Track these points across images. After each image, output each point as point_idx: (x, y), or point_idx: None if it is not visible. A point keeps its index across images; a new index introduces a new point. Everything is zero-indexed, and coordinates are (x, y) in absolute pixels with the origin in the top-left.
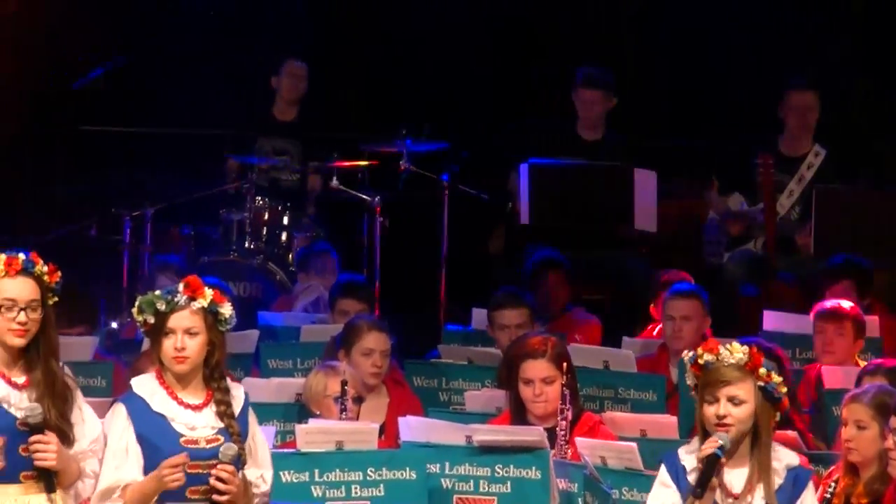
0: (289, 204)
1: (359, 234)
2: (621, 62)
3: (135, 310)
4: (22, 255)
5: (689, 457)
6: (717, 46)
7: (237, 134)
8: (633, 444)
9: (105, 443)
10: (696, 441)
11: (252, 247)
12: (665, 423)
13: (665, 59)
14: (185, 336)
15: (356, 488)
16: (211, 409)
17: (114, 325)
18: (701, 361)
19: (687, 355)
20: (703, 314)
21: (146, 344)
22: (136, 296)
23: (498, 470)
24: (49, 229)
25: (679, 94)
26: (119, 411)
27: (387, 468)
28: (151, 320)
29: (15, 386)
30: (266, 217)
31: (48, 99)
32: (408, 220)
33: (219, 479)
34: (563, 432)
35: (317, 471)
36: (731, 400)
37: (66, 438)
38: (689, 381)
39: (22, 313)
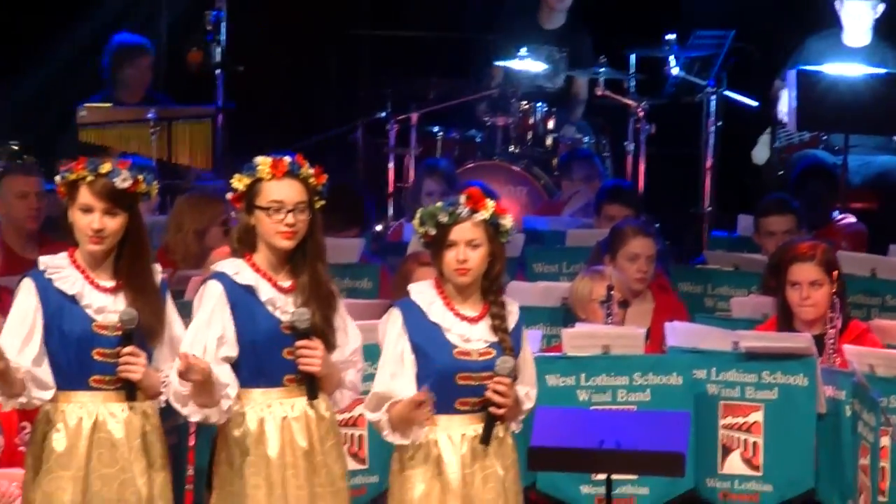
0: (554, 109)
1: (624, 139)
2: None
3: (416, 221)
4: (288, 158)
5: None
6: None
7: (503, 39)
8: None
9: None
10: None
11: (516, 151)
12: None
13: None
14: (466, 248)
15: (622, 393)
16: (486, 323)
17: (379, 228)
18: None
19: None
20: None
21: (412, 246)
22: (416, 206)
23: (765, 376)
24: (314, 133)
25: None
26: (395, 318)
27: (653, 373)
28: (433, 232)
29: (281, 290)
30: (531, 122)
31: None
32: (673, 126)
33: (496, 391)
34: (831, 340)
35: (583, 375)
36: None
37: (330, 345)
38: None
39: (289, 215)
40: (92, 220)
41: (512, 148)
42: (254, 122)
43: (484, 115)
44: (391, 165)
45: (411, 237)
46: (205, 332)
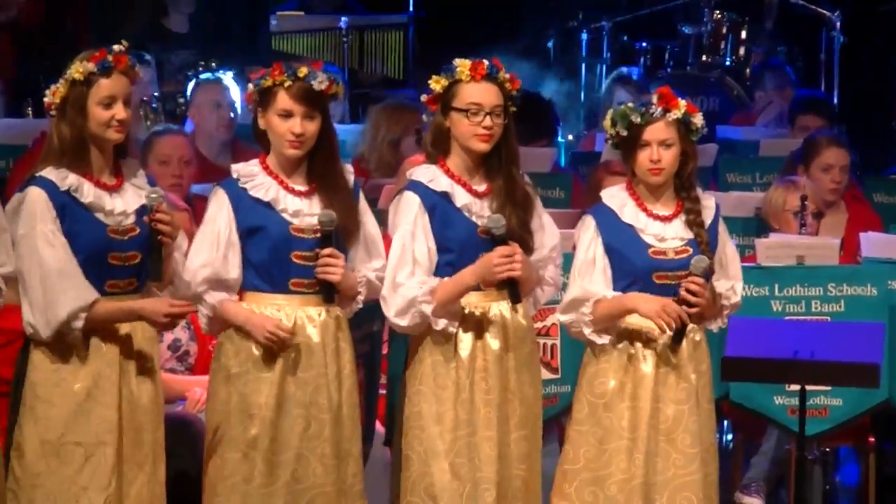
0: (747, 18)
1: (817, 49)
2: None
3: (607, 122)
4: (486, 62)
5: None
6: None
7: None
8: None
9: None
10: None
11: (709, 61)
12: None
13: None
14: (659, 147)
15: (816, 303)
16: (680, 220)
17: (571, 137)
18: None
19: None
20: None
21: (605, 155)
22: (607, 109)
23: None
24: (505, 42)
25: None
26: (588, 224)
27: (847, 284)
28: (624, 133)
29: (476, 194)
30: (724, 31)
31: None
32: (870, 35)
33: (689, 290)
34: None
35: (776, 285)
36: None
37: (527, 247)
38: None
39: (487, 118)
40: (292, 124)
41: (704, 58)
42: (445, 32)
43: (678, 24)
44: (583, 75)
45: (603, 147)
46: (411, 245)
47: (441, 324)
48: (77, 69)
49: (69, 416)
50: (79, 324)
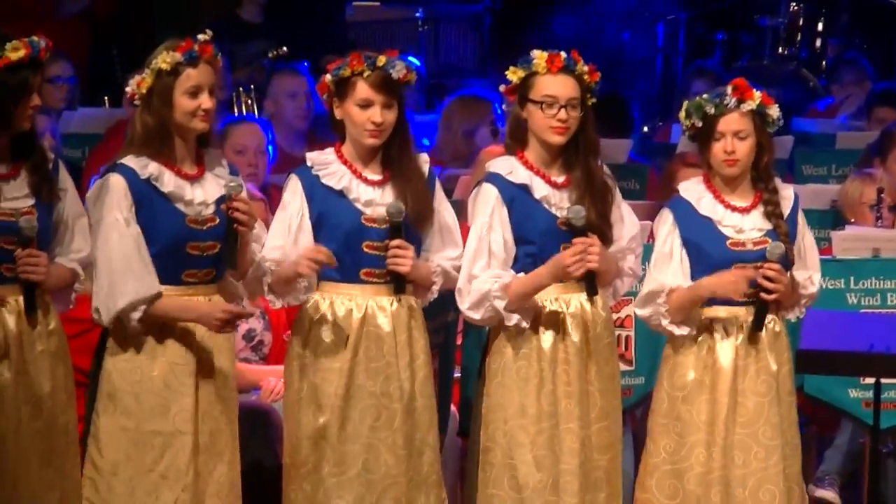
0: (823, 10)
1: (894, 41)
2: None
3: (682, 113)
4: (563, 54)
5: None
6: None
7: None
8: None
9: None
10: None
11: (786, 53)
12: None
13: None
14: (734, 139)
15: (892, 296)
16: (758, 212)
17: (646, 129)
18: None
19: None
20: None
21: (681, 146)
22: (683, 101)
23: None
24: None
25: None
26: (666, 217)
27: None
28: (699, 124)
29: (555, 186)
30: (800, 23)
31: None
32: None
33: (766, 277)
34: None
35: (852, 278)
36: None
37: (606, 238)
38: None
39: (562, 111)
40: (372, 113)
41: (780, 49)
42: (519, 22)
43: (754, 16)
44: (659, 66)
45: (679, 138)
46: (487, 237)
47: (513, 319)
48: (164, 59)
49: (147, 406)
50: (136, 315)
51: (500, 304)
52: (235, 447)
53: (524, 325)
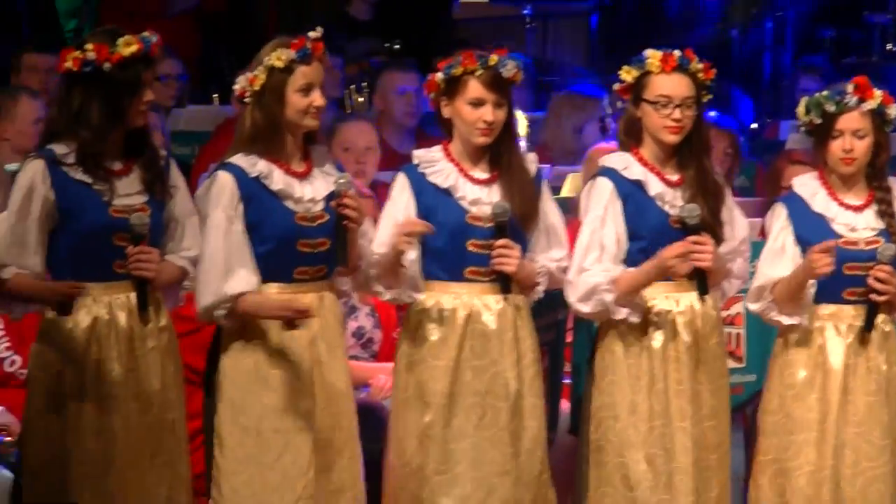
0: None
1: None
2: None
3: (800, 109)
4: (677, 52)
5: None
6: None
7: None
8: None
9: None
10: None
11: (894, 49)
12: None
13: None
14: (852, 138)
15: None
16: (872, 210)
17: (754, 125)
18: None
19: None
20: None
21: (789, 143)
22: (803, 98)
23: None
24: (689, 30)
25: None
26: (780, 212)
27: None
28: (818, 121)
29: (669, 183)
30: None
31: None
32: None
33: (877, 278)
34: None
35: None
36: None
37: (718, 237)
38: None
39: (676, 110)
40: (484, 112)
41: (889, 46)
42: (629, 20)
43: (863, 12)
44: (767, 63)
45: (787, 135)
46: (600, 230)
47: (622, 313)
48: (277, 56)
49: (266, 404)
50: (220, 313)
51: (609, 298)
52: (356, 444)
53: (633, 319)
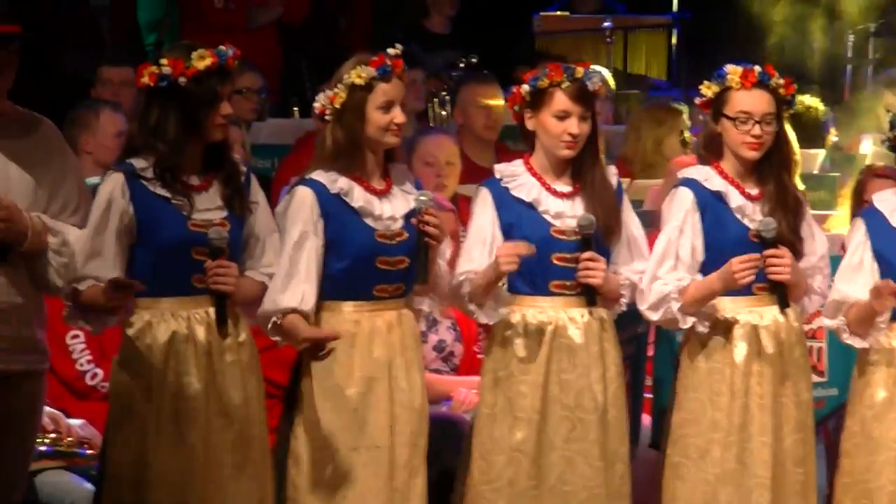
0: None
1: None
2: None
3: (885, 124)
4: (757, 68)
5: None
6: None
7: None
8: None
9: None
10: None
11: None
12: None
13: None
14: None
15: None
16: None
17: (834, 138)
18: None
19: None
20: None
21: (870, 158)
22: (874, 111)
23: None
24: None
25: None
26: (858, 227)
27: None
28: None
29: (749, 197)
30: None
31: None
32: None
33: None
34: None
35: None
36: None
37: (796, 252)
38: None
39: (756, 126)
40: (569, 125)
41: None
42: (710, 33)
43: None
44: (848, 76)
45: (868, 149)
46: (676, 240)
47: (688, 322)
48: (358, 74)
49: (344, 422)
50: (268, 325)
51: (676, 306)
52: (424, 460)
53: (701, 328)
